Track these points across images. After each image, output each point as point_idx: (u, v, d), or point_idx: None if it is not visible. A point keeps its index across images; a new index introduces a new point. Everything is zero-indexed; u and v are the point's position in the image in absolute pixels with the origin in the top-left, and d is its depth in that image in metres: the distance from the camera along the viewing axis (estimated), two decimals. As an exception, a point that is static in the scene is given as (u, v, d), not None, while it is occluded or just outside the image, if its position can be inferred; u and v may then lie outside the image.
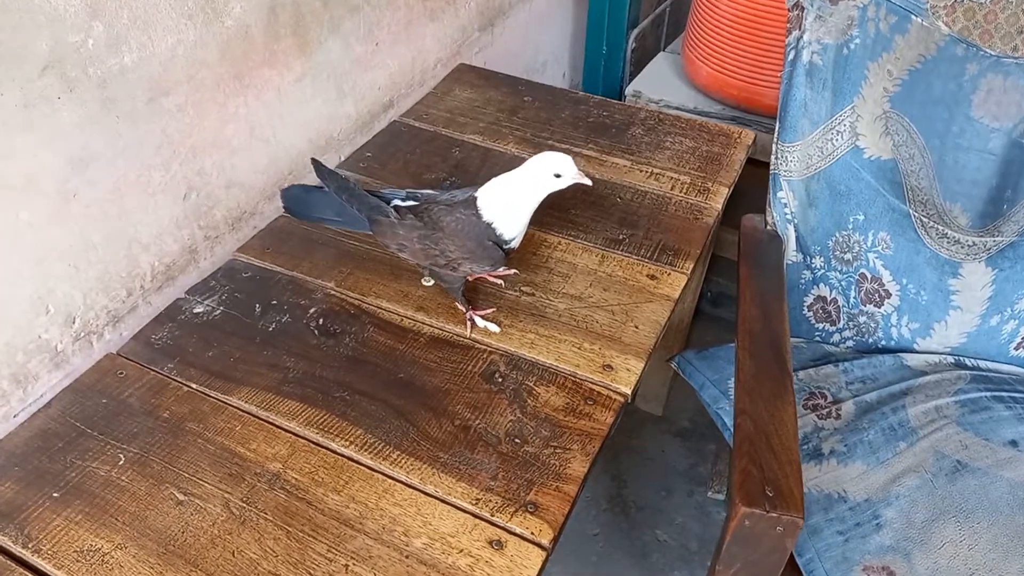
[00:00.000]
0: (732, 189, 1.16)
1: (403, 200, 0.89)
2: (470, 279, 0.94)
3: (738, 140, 1.24)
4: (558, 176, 0.83)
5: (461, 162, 1.19)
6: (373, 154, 1.20)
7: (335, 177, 0.89)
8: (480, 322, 0.90)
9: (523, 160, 0.87)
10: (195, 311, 0.93)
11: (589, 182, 0.85)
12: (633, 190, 1.13)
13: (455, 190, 0.88)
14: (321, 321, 0.92)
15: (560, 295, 0.95)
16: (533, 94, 1.35)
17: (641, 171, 1.17)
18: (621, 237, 1.04)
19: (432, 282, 0.96)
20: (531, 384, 0.85)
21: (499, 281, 0.95)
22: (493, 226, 0.83)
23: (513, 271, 0.96)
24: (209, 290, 0.96)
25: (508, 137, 1.25)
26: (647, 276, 0.98)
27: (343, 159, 1.21)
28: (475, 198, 0.84)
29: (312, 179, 1.06)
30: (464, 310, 0.91)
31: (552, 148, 0.88)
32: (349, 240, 1.01)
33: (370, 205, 0.87)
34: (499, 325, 0.90)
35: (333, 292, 0.96)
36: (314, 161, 0.90)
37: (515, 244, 0.86)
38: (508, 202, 0.83)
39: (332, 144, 1.19)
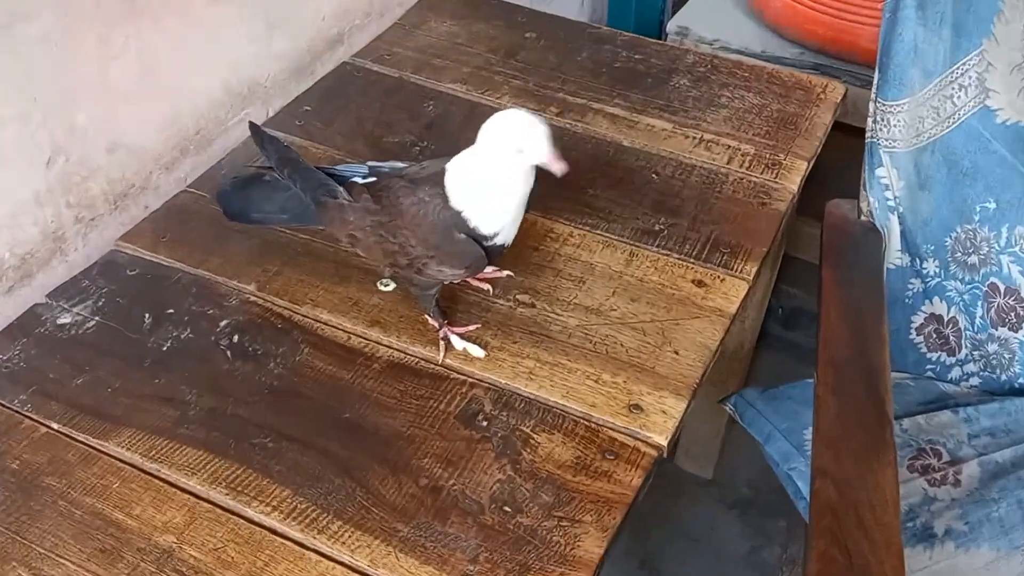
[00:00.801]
0: (813, 164, 1.16)
1: (364, 178, 0.90)
2: (448, 284, 0.94)
3: (822, 96, 1.24)
4: (520, 152, 0.81)
5: (437, 121, 1.19)
6: (314, 108, 1.20)
7: (275, 146, 0.90)
8: (458, 342, 0.90)
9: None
10: (60, 322, 0.92)
11: (562, 169, 0.81)
12: (675, 163, 1.13)
13: (426, 161, 0.89)
14: (236, 338, 0.91)
15: (571, 307, 0.95)
16: (538, 28, 1.35)
17: (687, 137, 1.17)
18: (657, 228, 1.04)
19: (392, 286, 0.96)
20: (527, 430, 0.84)
21: (484, 287, 0.95)
22: (463, 215, 0.83)
23: (506, 273, 0.96)
24: (80, 293, 0.95)
25: (503, 87, 1.25)
26: (693, 282, 0.98)
27: (271, 114, 1.21)
28: (443, 171, 0.84)
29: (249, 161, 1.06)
30: (436, 326, 0.90)
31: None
32: (278, 227, 1.02)
33: (315, 183, 0.88)
34: (484, 348, 0.90)
35: (254, 298, 0.95)
36: (252, 125, 0.91)
37: (503, 240, 0.86)
38: (480, 183, 0.83)
39: (257, 93, 1.19)
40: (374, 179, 0.88)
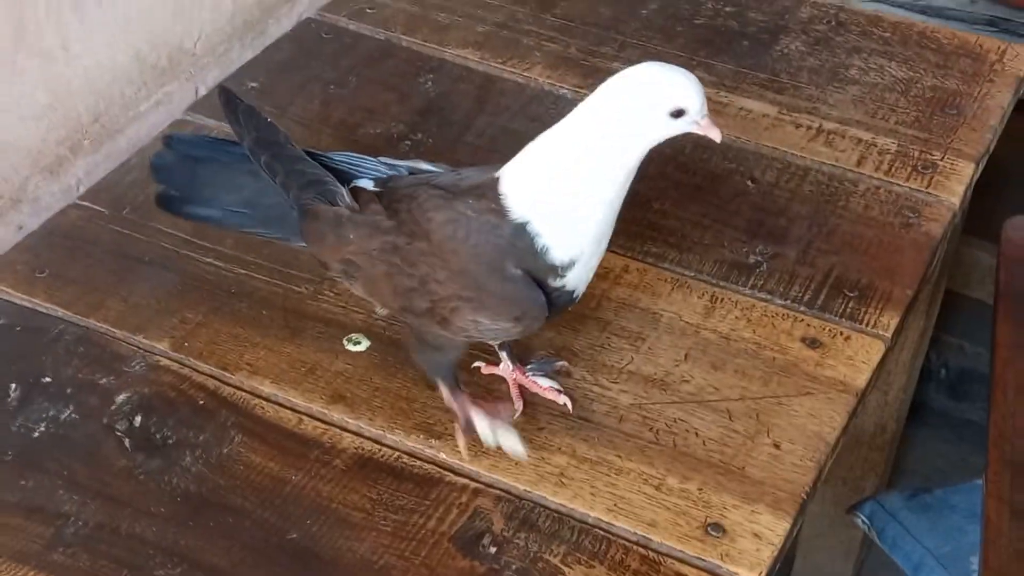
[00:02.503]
0: (984, 165, 1.15)
1: (381, 177, 0.89)
2: (485, 370, 0.93)
3: (999, 65, 1.24)
4: (677, 115, 0.80)
5: (437, 103, 1.19)
6: (263, 85, 1.21)
7: (255, 120, 0.89)
8: (487, 432, 0.88)
9: (575, 98, 0.85)
10: None
11: (719, 136, 0.83)
12: (781, 165, 1.12)
13: (466, 170, 0.88)
14: (137, 421, 0.91)
15: (623, 376, 0.94)
16: (586, -32, 1.36)
17: (799, 127, 1.16)
18: (753, 260, 1.03)
19: (366, 344, 0.96)
20: (555, 560, 0.83)
21: (560, 399, 0.92)
22: (529, 228, 0.81)
23: (563, 363, 0.94)
24: (-78, 351, 0.96)
25: (532, 54, 1.25)
26: (803, 341, 0.97)
27: (203, 93, 1.21)
28: (497, 180, 0.83)
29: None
30: (455, 406, 0.89)
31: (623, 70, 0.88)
32: (206, 257, 1.02)
33: (307, 178, 0.88)
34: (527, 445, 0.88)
35: (166, 361, 0.95)
36: (223, 91, 0.91)
37: (575, 283, 0.84)
38: (564, 184, 0.82)
39: (181, 64, 1.20)
40: (388, 182, 0.88)
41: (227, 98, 0.91)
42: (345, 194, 0.86)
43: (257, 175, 0.90)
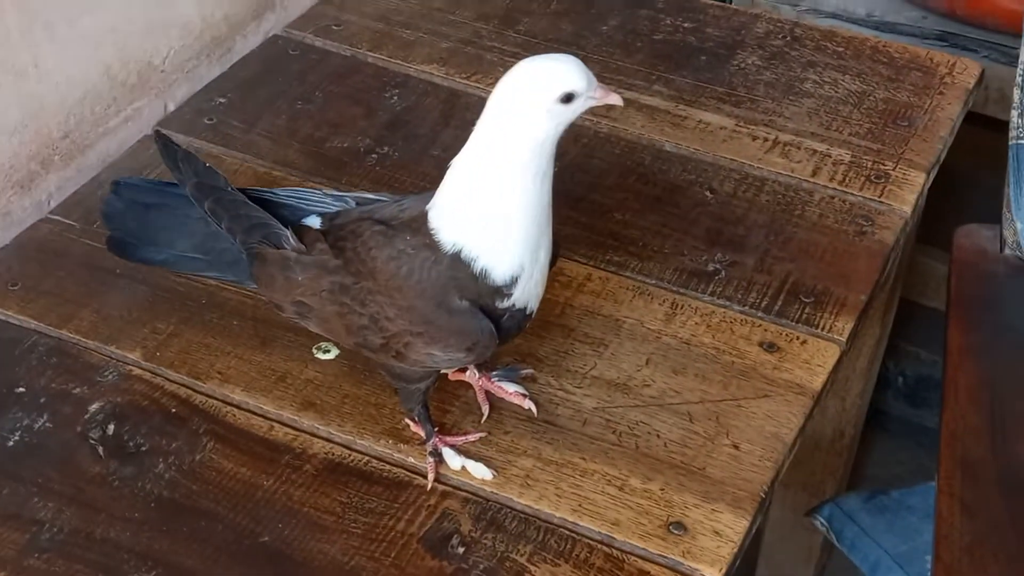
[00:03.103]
0: (935, 174, 1.16)
1: (328, 212, 0.89)
2: (452, 376, 0.95)
3: (949, 78, 1.25)
4: (567, 99, 0.79)
5: (403, 117, 1.20)
6: (232, 100, 1.22)
7: (193, 166, 0.90)
8: (454, 459, 0.89)
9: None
10: None
11: (619, 100, 0.82)
12: (738, 176, 1.14)
13: (407, 199, 0.88)
14: (111, 429, 0.92)
15: (586, 381, 0.95)
16: (547, -15, 1.38)
17: (756, 138, 1.18)
18: (712, 268, 1.05)
19: (335, 352, 0.97)
20: (521, 559, 0.84)
21: (526, 404, 0.93)
22: (464, 255, 0.81)
23: (529, 370, 0.96)
24: None
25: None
26: (761, 346, 0.98)
27: (172, 109, 1.22)
28: (427, 213, 0.83)
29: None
30: (423, 435, 0.90)
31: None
32: (186, 275, 1.02)
33: (249, 223, 0.88)
34: (490, 467, 0.89)
35: (138, 371, 0.96)
36: (159, 136, 0.92)
37: (525, 299, 0.84)
38: (483, 199, 0.82)
39: (152, 79, 1.21)
40: (334, 218, 0.88)
41: (164, 144, 0.91)
42: (290, 236, 0.87)
43: (207, 219, 0.90)
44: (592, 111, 1.17)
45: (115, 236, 0.94)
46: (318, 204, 0.91)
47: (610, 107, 1.17)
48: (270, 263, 0.87)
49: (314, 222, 0.89)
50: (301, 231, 0.87)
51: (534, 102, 0.79)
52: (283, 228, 0.87)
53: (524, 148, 0.79)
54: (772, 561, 1.57)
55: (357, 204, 0.90)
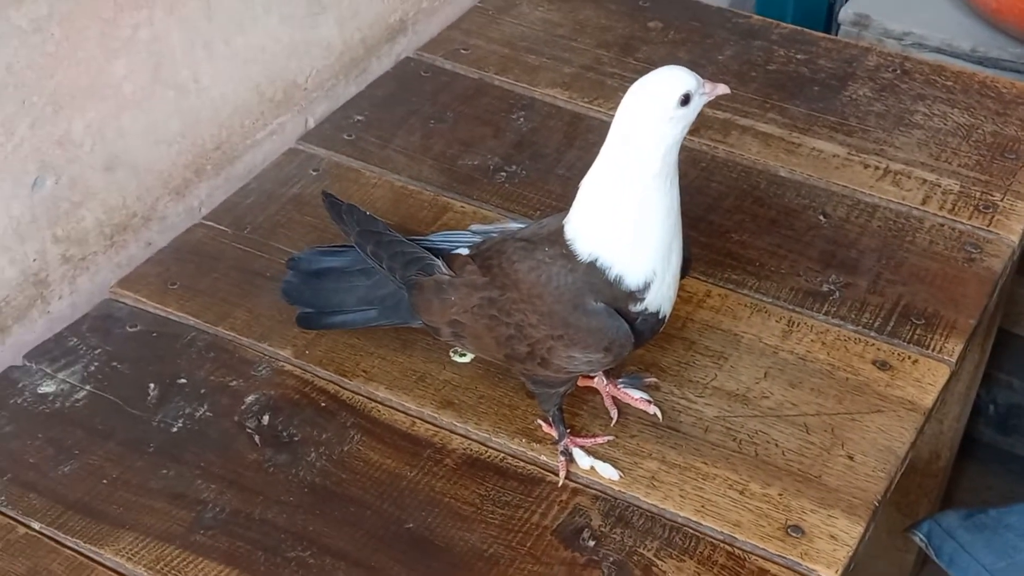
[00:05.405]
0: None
1: (474, 243, 0.94)
2: (581, 383, 0.98)
3: (1056, 114, 1.28)
4: (686, 101, 0.84)
5: (529, 137, 1.25)
6: (368, 118, 1.27)
7: (355, 215, 0.96)
8: (584, 459, 0.93)
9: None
10: (41, 391, 0.99)
11: (726, 88, 0.87)
12: (851, 202, 1.17)
13: (547, 218, 0.92)
14: (266, 419, 0.97)
15: (707, 391, 0.99)
16: (665, 16, 1.41)
17: (867, 167, 1.21)
18: (826, 289, 1.08)
19: (469, 357, 1.02)
20: (648, 554, 0.88)
21: (651, 409, 0.97)
22: (599, 264, 0.86)
23: (653, 379, 0.99)
24: (67, 354, 1.02)
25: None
26: (874, 364, 1.01)
27: (312, 125, 1.28)
28: (563, 226, 0.88)
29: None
30: (555, 436, 0.95)
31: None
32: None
33: (406, 258, 0.93)
34: (617, 467, 0.92)
35: (290, 367, 1.01)
36: (327, 196, 0.98)
37: (658, 303, 0.87)
38: (616, 210, 0.85)
39: (295, 96, 1.27)
40: (481, 244, 0.93)
41: (331, 201, 0.98)
42: (441, 264, 0.92)
43: (368, 273, 0.97)
44: (710, 137, 1.23)
45: (302, 314, 1.00)
46: (466, 241, 0.96)
47: (727, 132, 1.23)
48: (426, 290, 0.93)
49: (463, 251, 0.94)
50: (452, 260, 0.93)
51: (658, 112, 0.83)
52: (435, 259, 0.93)
53: (652, 158, 0.83)
54: (866, 570, 1.58)
55: (500, 233, 0.94)
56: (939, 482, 1.50)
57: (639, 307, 0.87)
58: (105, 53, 1.05)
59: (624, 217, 0.85)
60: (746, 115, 1.27)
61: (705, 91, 0.85)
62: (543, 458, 0.94)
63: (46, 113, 1.01)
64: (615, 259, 0.86)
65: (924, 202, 1.17)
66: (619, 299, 0.86)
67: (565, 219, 0.88)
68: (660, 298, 0.88)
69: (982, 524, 1.18)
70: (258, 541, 0.88)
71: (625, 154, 0.84)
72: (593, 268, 0.86)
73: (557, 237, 0.88)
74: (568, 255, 0.87)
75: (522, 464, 0.94)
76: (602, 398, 0.98)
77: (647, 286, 0.86)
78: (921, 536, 1.21)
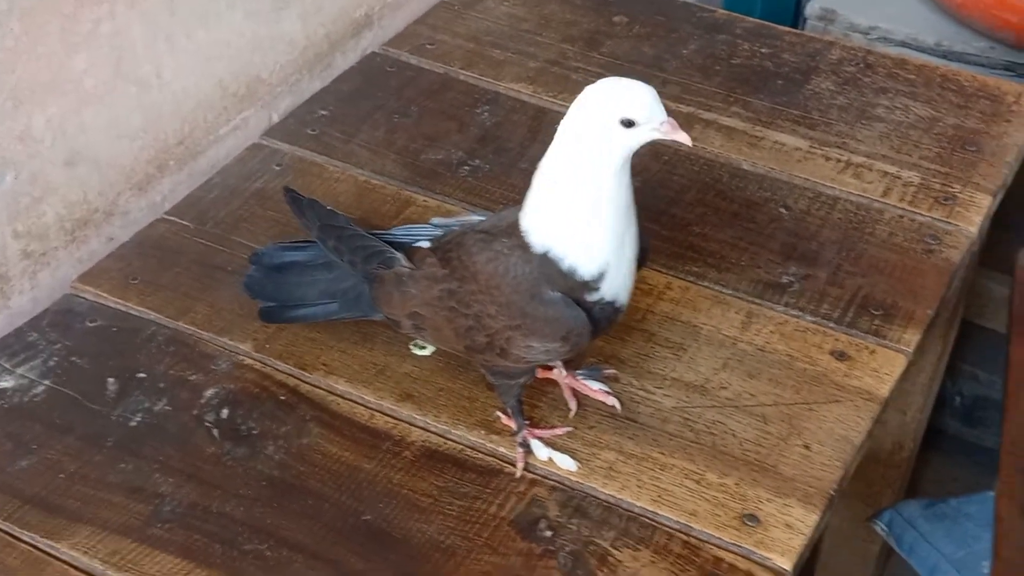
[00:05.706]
0: (1001, 198, 1.19)
1: (435, 236, 0.95)
2: (540, 374, 0.98)
3: (1016, 107, 1.28)
4: (628, 125, 0.83)
5: (493, 132, 1.25)
6: (333, 113, 1.27)
7: (316, 211, 0.97)
8: (541, 450, 0.94)
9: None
10: (0, 386, 0.99)
11: (687, 139, 0.85)
12: (812, 194, 1.18)
13: (506, 210, 0.92)
14: (225, 413, 0.97)
15: (666, 382, 0.99)
16: (630, 10, 1.42)
17: (829, 159, 1.21)
18: (786, 280, 1.08)
19: (429, 350, 1.02)
20: (605, 544, 0.88)
21: (609, 400, 0.97)
22: (551, 255, 0.87)
23: (612, 370, 1.00)
24: (26, 349, 1.02)
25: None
26: (832, 354, 1.01)
27: (276, 119, 1.28)
28: (519, 218, 0.89)
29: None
30: (514, 427, 0.95)
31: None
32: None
33: (367, 252, 0.94)
34: (575, 458, 0.93)
35: (249, 361, 1.01)
36: (288, 192, 0.99)
37: (613, 292, 0.88)
38: (568, 201, 0.86)
39: (259, 91, 1.27)
40: (442, 238, 0.94)
41: (292, 196, 0.98)
42: (401, 258, 0.92)
43: (329, 267, 0.97)
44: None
45: (264, 308, 1.00)
46: (428, 234, 0.96)
47: (690, 126, 1.23)
48: (387, 283, 0.93)
49: (424, 244, 0.94)
50: (412, 253, 0.93)
51: (599, 120, 0.83)
52: (396, 252, 0.93)
53: (601, 154, 0.84)
54: (829, 570, 1.58)
55: (461, 225, 0.95)
56: (903, 473, 1.50)
57: (595, 296, 0.87)
58: (66, 48, 1.05)
59: (575, 209, 0.86)
60: (710, 109, 1.27)
61: (660, 130, 0.84)
62: (502, 450, 0.94)
63: (6, 108, 1.01)
64: (567, 250, 0.86)
65: (885, 194, 1.17)
66: (575, 289, 0.87)
67: (520, 211, 0.89)
68: (616, 287, 0.88)
69: (942, 514, 1.19)
70: (215, 534, 0.88)
71: (577, 152, 0.85)
72: (547, 259, 0.86)
73: (514, 229, 0.88)
74: (523, 245, 0.87)
75: (481, 456, 0.94)
76: (561, 390, 0.98)
77: (601, 276, 0.87)
78: (882, 526, 1.22)
